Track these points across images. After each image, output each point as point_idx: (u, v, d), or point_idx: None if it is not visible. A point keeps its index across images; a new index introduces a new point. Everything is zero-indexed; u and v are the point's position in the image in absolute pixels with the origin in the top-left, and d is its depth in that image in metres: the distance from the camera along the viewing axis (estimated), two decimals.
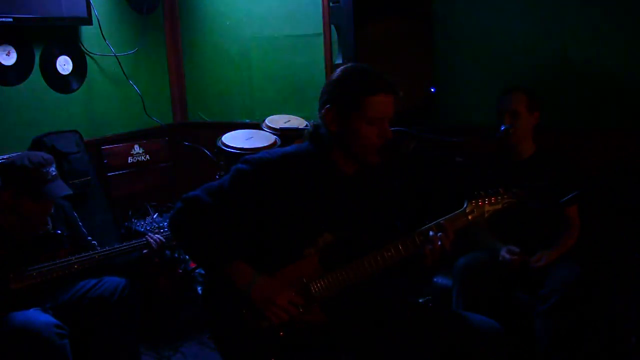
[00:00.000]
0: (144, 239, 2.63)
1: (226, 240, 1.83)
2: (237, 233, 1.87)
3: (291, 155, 1.91)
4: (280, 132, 3.26)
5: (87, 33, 3.52)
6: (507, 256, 2.42)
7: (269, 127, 3.32)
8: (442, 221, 1.86)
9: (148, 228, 3.22)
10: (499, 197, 1.90)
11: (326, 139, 1.89)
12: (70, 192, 2.52)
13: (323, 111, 1.86)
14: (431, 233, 1.83)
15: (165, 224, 3.25)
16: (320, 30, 3.51)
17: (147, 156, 3.69)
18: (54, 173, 2.46)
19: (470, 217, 1.88)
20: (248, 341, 1.84)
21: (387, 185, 2.03)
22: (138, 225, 3.29)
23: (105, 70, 3.68)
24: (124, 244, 2.62)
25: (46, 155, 2.50)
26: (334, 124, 1.85)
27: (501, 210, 1.91)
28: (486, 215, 1.90)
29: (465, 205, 1.89)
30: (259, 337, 1.83)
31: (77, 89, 3.52)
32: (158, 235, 2.65)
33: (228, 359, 1.88)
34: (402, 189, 2.13)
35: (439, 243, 1.81)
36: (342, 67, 1.91)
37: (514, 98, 2.59)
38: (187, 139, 4.04)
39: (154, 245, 2.61)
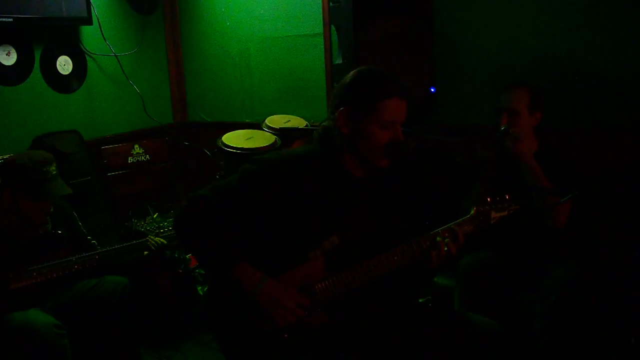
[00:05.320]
0: (145, 240, 2.63)
1: (232, 241, 1.82)
2: (244, 234, 1.86)
3: (300, 157, 1.90)
4: (280, 132, 3.25)
5: (87, 33, 3.53)
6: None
7: (269, 127, 3.31)
8: (448, 227, 1.86)
9: (148, 228, 3.23)
10: (506, 204, 1.90)
11: (336, 141, 1.88)
12: (70, 191, 2.52)
13: (336, 113, 1.85)
14: (438, 238, 1.84)
15: (166, 223, 3.25)
16: (320, 30, 3.51)
17: (147, 156, 3.69)
18: (54, 172, 2.46)
19: (476, 223, 1.88)
20: (252, 343, 1.83)
21: (395, 188, 2.03)
22: (138, 225, 3.29)
23: (105, 70, 3.68)
24: (124, 244, 2.62)
25: (46, 154, 2.49)
26: (347, 126, 1.84)
27: (507, 217, 1.90)
28: (492, 221, 1.89)
29: (471, 211, 1.89)
30: (262, 339, 1.82)
31: (77, 89, 3.52)
32: (160, 239, 2.64)
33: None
34: (405, 191, 2.12)
35: (445, 249, 1.82)
36: (356, 70, 1.89)
37: (515, 95, 2.42)
38: (187, 139, 4.05)
39: (154, 249, 2.61)
